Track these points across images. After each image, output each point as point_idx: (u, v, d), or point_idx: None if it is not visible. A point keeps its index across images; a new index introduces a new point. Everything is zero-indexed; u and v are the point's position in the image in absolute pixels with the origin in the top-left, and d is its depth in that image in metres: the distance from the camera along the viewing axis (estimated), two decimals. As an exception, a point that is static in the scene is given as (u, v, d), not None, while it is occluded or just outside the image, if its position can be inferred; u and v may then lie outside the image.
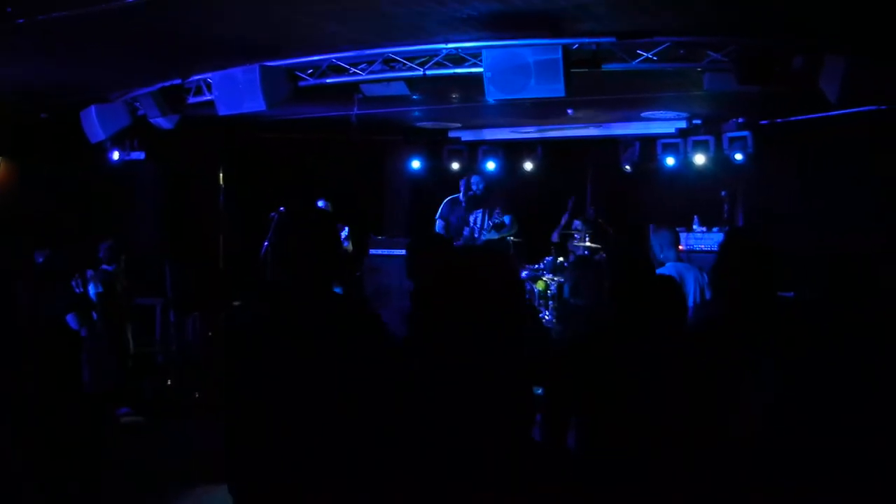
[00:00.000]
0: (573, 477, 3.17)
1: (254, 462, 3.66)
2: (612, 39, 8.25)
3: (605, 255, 13.23)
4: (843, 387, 3.35)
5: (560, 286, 11.86)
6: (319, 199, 13.17)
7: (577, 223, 13.53)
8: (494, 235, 12.83)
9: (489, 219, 13.10)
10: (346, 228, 13.04)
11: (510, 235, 13.24)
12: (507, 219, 12.80)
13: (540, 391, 4.39)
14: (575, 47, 8.31)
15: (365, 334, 3.66)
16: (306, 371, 3.59)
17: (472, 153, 15.80)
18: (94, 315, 9.49)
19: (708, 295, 7.72)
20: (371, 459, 3.14)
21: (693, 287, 7.85)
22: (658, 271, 7.75)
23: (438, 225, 12.55)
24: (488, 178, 14.05)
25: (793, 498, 3.33)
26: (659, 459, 3.69)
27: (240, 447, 3.73)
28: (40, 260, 9.27)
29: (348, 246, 13.06)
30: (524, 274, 12.63)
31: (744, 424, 3.47)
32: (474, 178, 13.48)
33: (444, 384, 2.84)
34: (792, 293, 8.00)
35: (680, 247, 8.65)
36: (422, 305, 2.97)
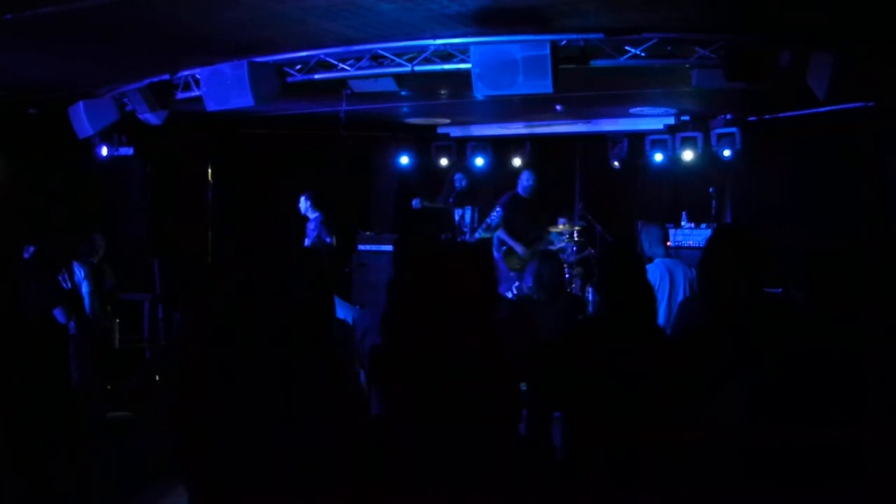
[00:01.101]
0: (558, 473, 3.17)
1: (215, 463, 3.63)
2: (601, 36, 8.27)
3: (592, 251, 13.30)
4: (830, 384, 3.35)
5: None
6: (302, 194, 13.14)
7: (561, 220, 13.56)
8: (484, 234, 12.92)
9: (478, 218, 13.20)
10: (319, 215, 12.92)
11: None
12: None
13: (524, 387, 4.41)
14: (563, 43, 8.33)
15: (329, 334, 3.64)
16: (272, 369, 3.58)
17: (461, 149, 15.82)
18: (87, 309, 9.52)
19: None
20: (343, 458, 3.13)
21: (682, 282, 7.90)
22: (647, 267, 7.79)
23: (495, 219, 12.34)
24: (472, 175, 14.10)
25: (776, 497, 3.33)
26: (644, 455, 3.70)
27: (199, 447, 3.70)
28: (27, 255, 9.25)
29: (331, 242, 13.01)
30: (513, 274, 12.67)
31: (728, 422, 3.48)
32: (457, 176, 13.59)
33: (422, 376, 2.84)
34: (780, 289, 8.04)
35: (668, 243, 8.69)
36: (398, 296, 2.98)
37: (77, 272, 10.19)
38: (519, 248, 12.46)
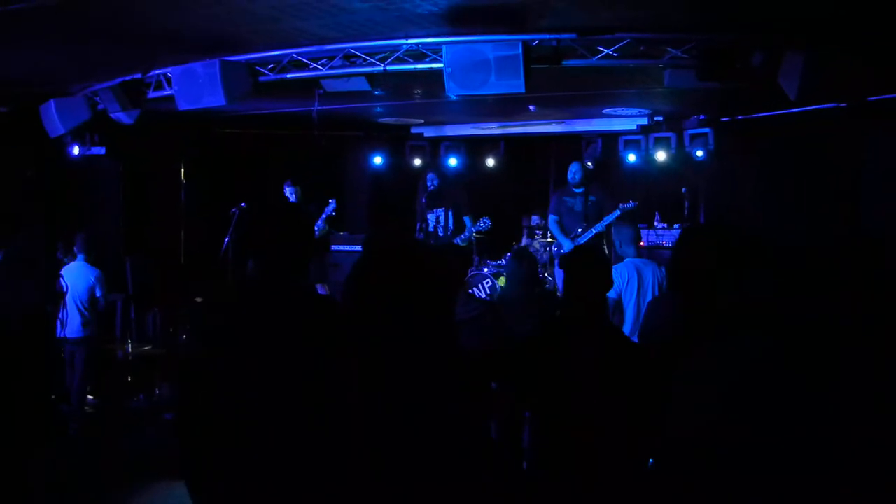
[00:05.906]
0: (521, 474, 3.17)
1: (216, 459, 3.63)
2: (573, 36, 8.28)
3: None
4: (798, 380, 3.34)
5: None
6: (287, 184, 13.00)
7: (535, 219, 13.56)
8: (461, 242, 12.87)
9: (452, 220, 13.15)
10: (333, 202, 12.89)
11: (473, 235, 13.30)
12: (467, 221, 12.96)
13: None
14: (535, 43, 8.34)
15: (336, 329, 3.62)
16: (278, 368, 3.56)
17: (435, 149, 15.84)
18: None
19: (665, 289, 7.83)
20: (335, 457, 3.13)
21: (651, 282, 7.94)
22: (616, 267, 7.85)
23: (552, 221, 12.26)
24: (445, 175, 14.05)
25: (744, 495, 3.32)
26: (606, 455, 3.70)
27: (201, 445, 3.70)
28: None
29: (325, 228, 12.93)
30: (487, 271, 12.66)
31: (697, 420, 3.47)
32: (429, 176, 13.46)
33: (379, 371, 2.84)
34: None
35: (641, 243, 8.73)
36: (353, 289, 2.98)
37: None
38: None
